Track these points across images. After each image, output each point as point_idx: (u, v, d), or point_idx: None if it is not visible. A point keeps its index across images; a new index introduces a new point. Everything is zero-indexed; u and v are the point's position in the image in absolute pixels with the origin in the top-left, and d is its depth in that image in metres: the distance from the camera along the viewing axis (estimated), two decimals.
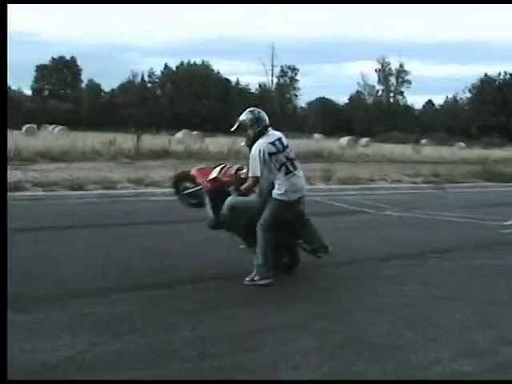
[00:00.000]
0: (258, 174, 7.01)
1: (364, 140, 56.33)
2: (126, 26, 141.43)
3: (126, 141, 28.10)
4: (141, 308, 6.10)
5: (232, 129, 7.36)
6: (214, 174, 7.50)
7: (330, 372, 4.66)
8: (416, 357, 5.05)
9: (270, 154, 7.05)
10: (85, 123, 68.39)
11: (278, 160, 7.09)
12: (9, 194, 14.22)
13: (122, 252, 8.73)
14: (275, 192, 7.11)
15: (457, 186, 21.42)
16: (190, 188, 7.96)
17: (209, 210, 7.51)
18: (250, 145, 7.21)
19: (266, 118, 7.29)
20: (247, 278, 7.09)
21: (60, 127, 52.77)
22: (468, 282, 7.72)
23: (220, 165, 7.73)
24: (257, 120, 7.20)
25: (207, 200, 7.51)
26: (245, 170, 7.38)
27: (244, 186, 7.21)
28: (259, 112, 7.29)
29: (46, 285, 6.85)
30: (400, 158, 33.68)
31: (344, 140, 50.20)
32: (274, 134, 7.25)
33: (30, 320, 5.64)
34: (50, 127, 55.27)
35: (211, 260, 8.27)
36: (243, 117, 7.25)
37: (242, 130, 7.28)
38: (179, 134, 45.78)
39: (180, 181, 8.27)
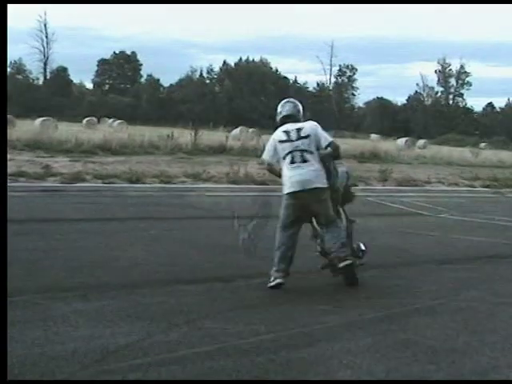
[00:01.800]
0: (263, 157, 7.20)
1: (421, 142, 55.64)
2: (187, 23, 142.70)
3: (183, 136, 28.36)
4: (199, 300, 6.18)
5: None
6: None
7: (384, 372, 4.64)
8: (471, 362, 4.98)
9: (280, 142, 6.98)
10: (143, 117, 69.12)
11: (285, 148, 6.93)
12: (69, 185, 14.63)
13: (182, 245, 8.90)
14: None
15: None
16: None
17: None
18: None
19: (287, 108, 7.20)
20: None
21: (119, 121, 53.63)
22: None
23: None
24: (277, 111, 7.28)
25: None
26: None
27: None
28: (281, 103, 7.33)
29: (107, 274, 7.01)
30: (458, 161, 33.15)
31: (401, 141, 49.67)
32: (295, 124, 7.05)
33: (90, 307, 5.77)
34: (110, 120, 56.21)
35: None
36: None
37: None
38: (236, 131, 45.77)
39: None
